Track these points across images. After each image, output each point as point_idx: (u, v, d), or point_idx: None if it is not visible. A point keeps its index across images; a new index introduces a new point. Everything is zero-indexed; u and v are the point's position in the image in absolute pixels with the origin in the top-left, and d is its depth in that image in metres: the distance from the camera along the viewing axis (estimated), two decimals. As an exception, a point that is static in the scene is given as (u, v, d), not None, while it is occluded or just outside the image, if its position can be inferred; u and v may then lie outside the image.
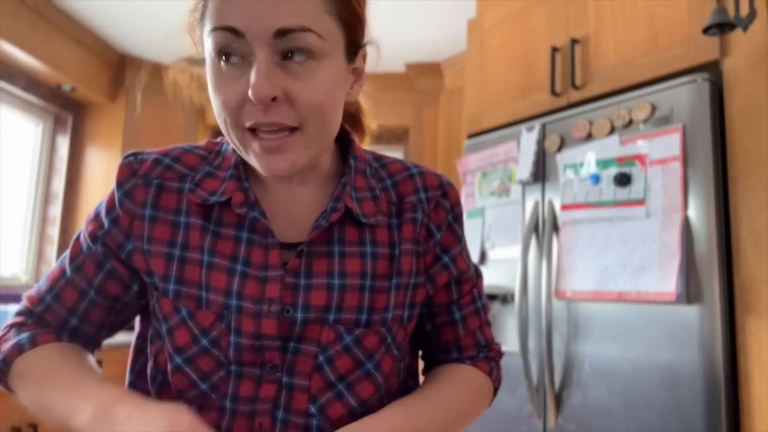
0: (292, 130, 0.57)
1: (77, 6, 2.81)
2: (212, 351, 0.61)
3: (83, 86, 3.06)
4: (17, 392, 0.65)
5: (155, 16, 2.87)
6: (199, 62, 0.63)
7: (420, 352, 0.79)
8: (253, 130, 0.57)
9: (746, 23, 1.35)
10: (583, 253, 1.64)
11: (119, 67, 3.33)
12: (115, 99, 3.30)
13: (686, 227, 1.42)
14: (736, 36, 1.46)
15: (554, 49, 1.91)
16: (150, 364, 0.67)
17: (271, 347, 0.61)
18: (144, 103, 3.35)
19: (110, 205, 0.67)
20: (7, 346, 0.66)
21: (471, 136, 2.23)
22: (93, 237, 0.67)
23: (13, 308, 2.49)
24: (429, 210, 0.70)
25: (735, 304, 1.38)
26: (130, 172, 0.67)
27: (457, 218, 0.73)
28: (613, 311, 1.56)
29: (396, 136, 3.62)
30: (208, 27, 0.56)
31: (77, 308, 0.67)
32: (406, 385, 0.74)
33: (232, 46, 0.55)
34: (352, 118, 0.78)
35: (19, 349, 0.64)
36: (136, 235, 0.65)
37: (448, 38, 2.95)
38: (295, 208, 0.67)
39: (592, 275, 1.60)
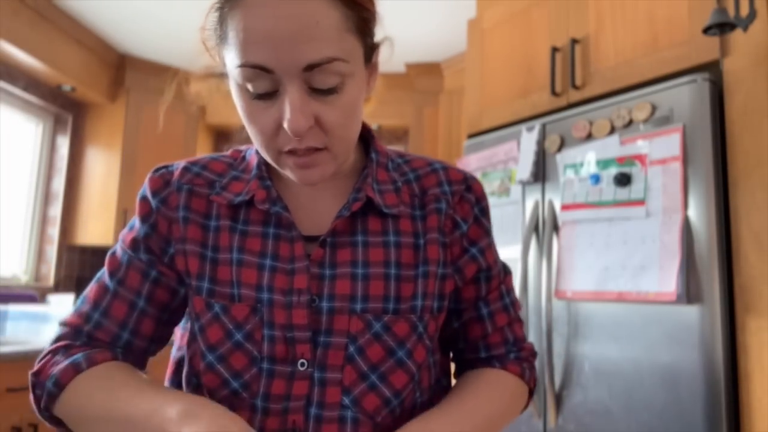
0: (322, 149, 0.59)
1: (77, 6, 2.81)
2: (246, 346, 0.62)
3: (83, 86, 3.07)
4: (70, 416, 0.61)
5: (155, 16, 2.87)
6: (220, 75, 0.64)
7: (451, 354, 0.78)
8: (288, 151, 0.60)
9: (746, 23, 1.35)
10: (583, 253, 1.64)
11: (119, 67, 3.33)
12: (115, 99, 3.30)
13: (686, 227, 1.42)
14: (737, 36, 1.46)
15: (554, 49, 1.91)
16: (185, 369, 0.67)
17: (303, 340, 0.62)
18: (144, 103, 3.35)
19: (144, 214, 0.68)
20: (58, 367, 0.62)
21: (471, 136, 2.23)
22: (134, 246, 0.68)
23: (13, 308, 2.49)
24: (453, 203, 0.70)
25: (735, 304, 1.38)
26: (164, 182, 0.69)
27: (484, 212, 0.73)
28: (613, 311, 1.56)
29: (396, 136, 3.62)
30: (233, 59, 0.56)
31: (128, 321, 0.67)
32: (440, 384, 0.73)
33: (260, 79, 0.56)
34: None
35: (75, 369, 0.62)
36: (176, 237, 0.67)
37: (448, 38, 2.95)
38: (318, 203, 0.69)
39: (592, 275, 1.60)
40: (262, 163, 0.69)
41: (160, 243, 0.67)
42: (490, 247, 0.74)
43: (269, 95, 0.57)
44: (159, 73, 3.43)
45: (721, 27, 1.38)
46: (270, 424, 0.62)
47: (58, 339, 0.67)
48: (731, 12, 1.39)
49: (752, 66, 1.42)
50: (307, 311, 0.62)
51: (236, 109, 0.61)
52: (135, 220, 0.70)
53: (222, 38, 0.58)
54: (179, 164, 0.71)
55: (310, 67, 0.54)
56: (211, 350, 0.63)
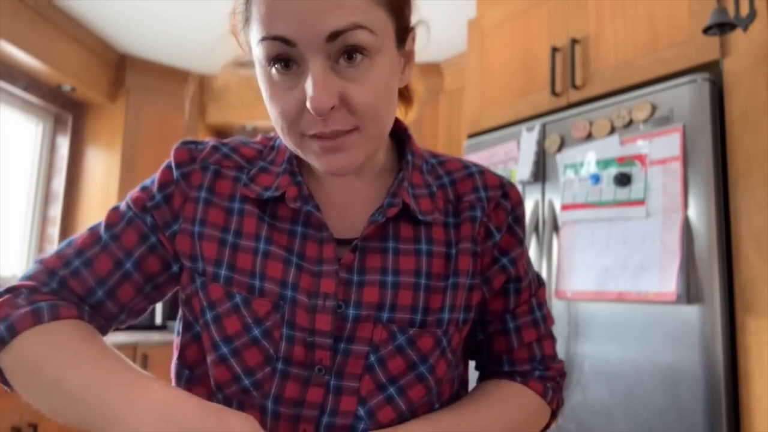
0: (350, 130, 0.56)
1: (77, 6, 2.81)
2: (262, 343, 0.59)
3: (83, 86, 3.07)
4: (18, 373, 0.56)
5: (155, 16, 2.87)
6: (247, 64, 0.62)
7: (474, 363, 0.76)
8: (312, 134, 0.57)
9: (746, 23, 1.35)
10: (583, 253, 1.64)
11: (119, 67, 3.33)
12: (115, 99, 3.30)
13: (686, 227, 1.42)
14: (737, 36, 1.46)
15: (554, 49, 1.91)
16: (174, 361, 0.64)
17: (323, 345, 0.59)
18: (144, 103, 3.35)
19: (165, 181, 0.65)
20: (17, 312, 0.56)
21: (471, 136, 2.23)
22: (142, 206, 0.64)
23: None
24: (489, 210, 0.67)
25: (735, 304, 1.38)
26: (190, 157, 0.66)
27: (518, 220, 0.70)
28: (613, 311, 1.56)
29: (396, 136, 3.62)
30: (256, 35, 0.54)
31: (108, 280, 0.62)
32: (458, 395, 0.70)
33: (283, 54, 0.53)
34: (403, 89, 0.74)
35: (35, 318, 0.56)
36: (186, 216, 0.63)
37: (448, 38, 2.95)
38: (349, 203, 0.66)
39: (592, 275, 1.60)
40: (294, 157, 0.65)
41: (167, 215, 0.64)
42: (522, 257, 0.70)
43: (292, 73, 0.54)
44: (159, 73, 3.43)
45: (721, 27, 1.38)
46: (280, 429, 0.59)
47: (26, 278, 0.62)
48: (731, 12, 1.39)
49: (752, 66, 1.42)
50: (332, 317, 0.59)
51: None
52: (151, 183, 0.66)
53: (247, 18, 0.56)
54: (208, 142, 0.68)
55: (334, 36, 0.51)
56: (226, 342, 0.59)
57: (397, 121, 0.70)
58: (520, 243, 0.70)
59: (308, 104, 0.52)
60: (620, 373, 1.52)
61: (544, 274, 1.71)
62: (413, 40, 0.63)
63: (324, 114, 0.53)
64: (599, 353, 1.58)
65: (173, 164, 0.66)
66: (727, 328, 1.37)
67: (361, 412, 0.59)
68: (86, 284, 0.62)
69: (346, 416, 0.59)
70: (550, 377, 0.71)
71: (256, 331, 0.59)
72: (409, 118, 0.74)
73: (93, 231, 0.65)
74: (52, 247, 3.15)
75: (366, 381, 0.60)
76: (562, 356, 1.66)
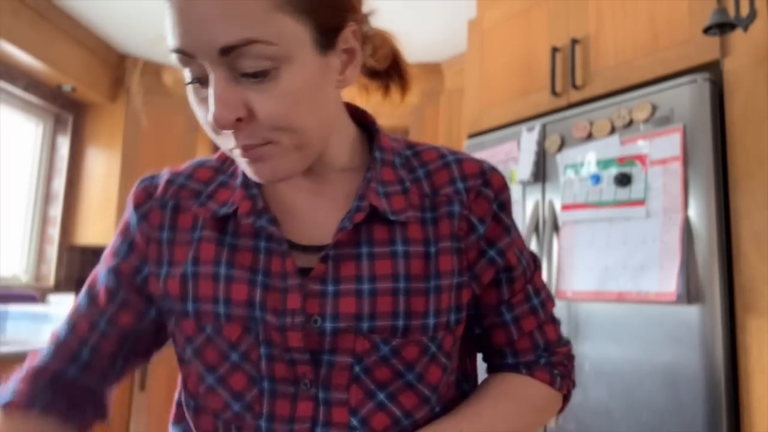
0: (263, 144, 0.53)
1: (77, 6, 2.81)
2: (243, 366, 0.59)
3: (83, 86, 3.07)
4: None
5: (155, 16, 2.87)
6: None
7: (481, 354, 0.73)
8: None
9: (746, 23, 1.35)
10: (583, 253, 1.64)
11: (119, 67, 3.33)
12: (115, 99, 3.30)
13: (687, 227, 1.42)
14: (737, 36, 1.46)
15: (554, 49, 1.91)
16: (183, 394, 0.65)
17: (302, 361, 0.58)
18: (144, 104, 3.35)
19: (125, 230, 0.66)
20: (5, 385, 0.66)
21: (471, 136, 2.23)
22: (108, 267, 0.66)
23: (13, 308, 2.49)
24: (469, 201, 0.63)
25: (735, 304, 1.38)
26: (146, 195, 0.65)
27: (504, 206, 0.66)
28: (613, 311, 1.56)
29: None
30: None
31: (89, 339, 0.66)
32: (461, 390, 0.68)
33: (191, 66, 0.51)
34: (395, 71, 0.70)
35: (13, 394, 0.64)
36: (152, 259, 0.63)
37: (448, 38, 2.95)
38: (318, 208, 0.63)
39: (593, 275, 1.60)
40: None
41: (134, 262, 0.65)
42: (512, 244, 0.66)
43: (202, 82, 0.52)
44: (159, 73, 3.42)
45: (722, 27, 1.38)
46: None
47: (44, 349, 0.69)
48: (731, 12, 1.39)
49: (752, 66, 1.42)
50: (301, 333, 0.57)
51: None
52: (116, 235, 0.67)
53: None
54: (164, 175, 0.66)
55: (227, 51, 0.48)
56: (210, 371, 0.60)
57: (364, 115, 0.68)
58: (508, 231, 0.66)
59: (209, 118, 0.50)
60: (620, 373, 1.52)
61: (544, 275, 1.71)
62: (355, 35, 0.57)
63: (227, 129, 0.51)
64: (599, 353, 1.58)
65: (131, 208, 0.66)
66: (727, 328, 1.37)
67: (354, 422, 0.58)
68: (71, 348, 0.66)
69: (340, 428, 0.58)
70: (557, 363, 0.68)
71: (235, 357, 0.59)
72: (407, 100, 0.71)
73: (78, 298, 0.69)
74: (52, 247, 3.15)
75: (354, 391, 0.58)
76: (563, 356, 1.66)
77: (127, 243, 0.65)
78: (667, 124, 1.51)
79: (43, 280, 3.15)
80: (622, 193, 1.57)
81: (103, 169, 3.26)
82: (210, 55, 0.49)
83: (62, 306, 2.77)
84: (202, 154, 3.73)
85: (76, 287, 3.26)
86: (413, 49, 3.13)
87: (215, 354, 0.60)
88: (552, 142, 1.79)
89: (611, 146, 1.62)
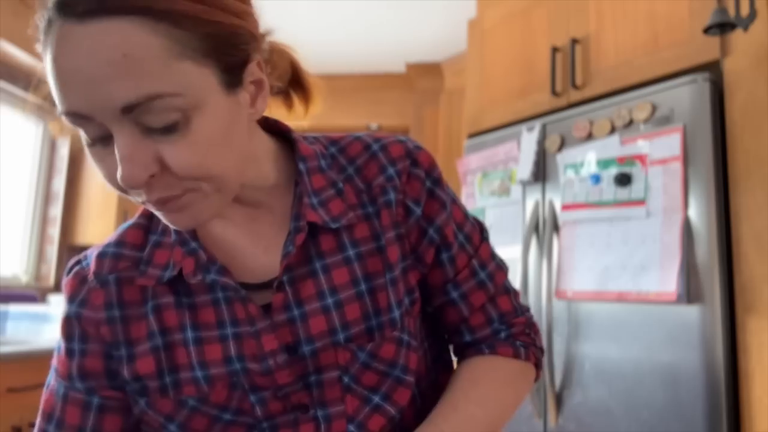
0: (181, 194, 0.49)
1: (77, 6, 2.81)
2: (239, 419, 0.58)
3: (83, 86, 3.06)
4: None
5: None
6: None
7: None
8: None
9: (747, 23, 1.35)
10: (583, 253, 1.64)
11: (119, 67, 3.33)
12: (115, 99, 3.30)
13: (687, 227, 1.42)
14: (737, 36, 1.46)
15: (555, 49, 1.91)
16: None
17: (295, 390, 0.58)
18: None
19: (68, 329, 0.60)
20: None
21: (471, 136, 2.23)
22: (67, 374, 0.60)
23: (13, 308, 2.49)
24: (402, 185, 0.62)
25: (735, 304, 1.38)
26: (79, 281, 0.61)
27: (437, 183, 0.64)
28: (613, 311, 1.56)
29: (396, 136, 3.62)
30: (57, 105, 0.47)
31: None
32: (443, 360, 0.70)
33: (87, 125, 0.46)
34: (296, 84, 0.66)
35: None
36: (109, 343, 0.59)
37: (448, 38, 2.95)
38: (262, 237, 0.61)
39: (593, 275, 1.60)
40: None
41: (98, 349, 0.59)
42: (449, 220, 0.65)
43: (104, 140, 0.47)
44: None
45: (722, 27, 1.38)
46: None
47: None
48: (732, 12, 1.39)
49: (753, 66, 1.42)
50: (288, 370, 0.57)
51: None
52: (60, 342, 0.61)
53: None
54: (92, 251, 0.62)
55: (128, 109, 0.44)
56: None
57: (277, 124, 0.65)
58: (444, 206, 0.64)
59: (119, 179, 0.46)
60: (620, 372, 1.52)
61: (544, 274, 1.71)
62: (260, 65, 0.53)
63: (139, 188, 0.47)
64: (599, 353, 1.58)
65: (67, 302, 0.61)
66: (727, 328, 1.37)
67: (351, 428, 0.59)
68: None
69: None
70: (517, 333, 0.67)
71: (227, 416, 0.58)
72: (311, 112, 0.68)
73: (38, 427, 0.61)
74: (52, 247, 3.15)
75: (350, 400, 0.59)
76: (562, 356, 1.66)
77: (77, 342, 0.60)
78: (667, 124, 1.51)
79: (43, 280, 3.15)
80: (622, 193, 1.57)
81: (103, 169, 3.26)
82: (110, 115, 0.44)
83: (62, 306, 2.77)
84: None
85: (76, 287, 3.26)
86: (413, 49, 3.14)
87: (204, 421, 0.58)
88: (552, 142, 1.79)
89: (611, 146, 1.62)
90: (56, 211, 3.20)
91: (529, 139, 1.86)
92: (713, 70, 1.49)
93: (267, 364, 0.56)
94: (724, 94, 1.47)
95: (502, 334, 0.67)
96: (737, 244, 1.39)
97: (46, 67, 0.46)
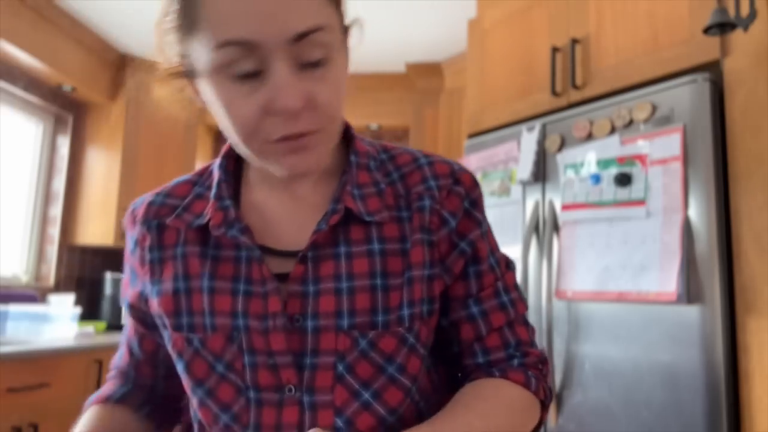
0: (315, 131, 0.56)
1: (77, 6, 2.81)
2: (229, 376, 0.60)
3: (84, 86, 3.07)
4: None
5: (155, 16, 2.87)
6: (183, 75, 0.59)
7: (456, 372, 0.71)
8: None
9: (747, 23, 1.35)
10: (583, 253, 1.64)
11: (119, 67, 3.33)
12: (115, 99, 3.30)
13: (687, 227, 1.42)
14: (737, 36, 1.46)
15: (555, 49, 1.91)
16: (191, 410, 0.67)
17: (286, 364, 0.59)
18: (144, 104, 3.35)
19: (128, 258, 0.70)
20: (95, 395, 0.72)
21: (471, 136, 2.23)
22: (124, 298, 0.72)
23: (13, 308, 2.50)
24: (440, 198, 0.65)
25: (735, 304, 1.38)
26: (133, 221, 0.69)
27: (475, 203, 0.67)
28: (613, 311, 1.56)
29: (396, 136, 3.62)
30: (208, 41, 0.51)
31: (131, 369, 0.73)
32: (452, 388, 0.67)
33: (243, 59, 0.51)
34: None
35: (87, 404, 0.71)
36: (148, 279, 0.66)
37: (448, 38, 2.95)
38: (296, 213, 0.65)
39: (593, 275, 1.60)
40: (223, 180, 0.65)
41: (138, 288, 0.68)
42: (483, 239, 0.67)
43: (253, 77, 0.52)
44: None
45: (722, 27, 1.38)
46: None
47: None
48: (732, 12, 1.39)
49: (753, 66, 1.42)
50: (284, 335, 0.58)
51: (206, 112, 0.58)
52: (125, 265, 0.72)
53: (191, 25, 0.53)
54: (145, 198, 0.69)
55: (298, 38, 0.51)
56: (199, 385, 0.61)
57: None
58: (479, 224, 0.67)
59: (279, 106, 0.51)
60: (620, 372, 1.52)
61: (544, 274, 1.71)
62: (349, 37, 0.61)
63: (296, 114, 0.53)
64: (599, 353, 1.58)
65: (128, 235, 0.70)
66: (727, 327, 1.37)
67: (340, 423, 0.58)
68: (123, 370, 0.74)
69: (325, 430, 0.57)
70: (530, 364, 0.66)
71: (220, 368, 0.60)
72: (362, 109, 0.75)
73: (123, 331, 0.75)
74: (52, 247, 3.15)
75: (339, 391, 0.59)
76: (562, 356, 1.66)
77: (130, 270, 0.70)
78: (667, 124, 1.51)
79: (43, 280, 3.15)
80: (622, 193, 1.57)
81: (103, 169, 3.26)
82: (279, 44, 0.51)
83: (62, 306, 2.77)
84: (202, 154, 3.73)
85: (76, 287, 3.26)
86: (413, 49, 3.13)
87: (203, 367, 0.61)
88: (552, 142, 1.79)
89: (611, 146, 1.62)
90: (56, 211, 3.20)
91: (529, 139, 1.86)
92: (713, 70, 1.49)
93: (266, 324, 0.59)
94: (724, 94, 1.47)
95: (515, 361, 0.65)
96: (737, 244, 1.39)
97: (207, 3, 0.51)
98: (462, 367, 0.69)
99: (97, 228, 3.21)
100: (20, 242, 3.08)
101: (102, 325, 3.05)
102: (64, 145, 3.25)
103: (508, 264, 0.70)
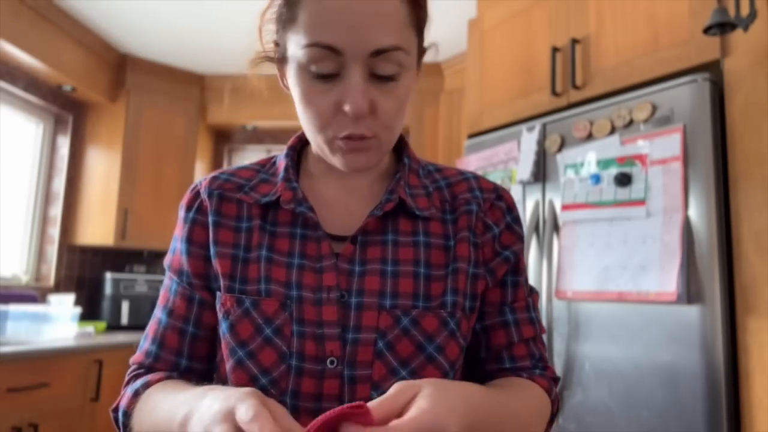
0: (371, 137, 0.62)
1: (78, 6, 2.81)
2: (275, 341, 0.62)
3: (84, 86, 3.07)
4: None
5: (155, 16, 2.87)
6: (275, 60, 0.67)
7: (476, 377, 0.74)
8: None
9: (747, 23, 1.35)
10: (583, 253, 1.64)
11: (119, 67, 3.33)
12: (115, 99, 3.30)
13: (687, 227, 1.42)
14: (737, 36, 1.46)
15: (555, 49, 1.91)
16: (215, 381, 0.69)
17: (332, 336, 0.62)
18: (144, 104, 3.35)
19: (182, 230, 0.71)
20: (124, 399, 0.68)
21: (471, 136, 2.23)
22: (178, 271, 0.71)
23: (13, 308, 2.49)
24: (485, 207, 0.71)
25: (735, 304, 1.38)
26: (194, 195, 0.72)
27: (516, 221, 0.73)
28: (613, 311, 1.56)
29: (396, 136, 3.62)
30: (300, 39, 0.59)
31: (183, 349, 0.70)
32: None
33: (326, 60, 0.58)
34: None
35: (135, 396, 0.66)
36: (207, 241, 0.69)
37: (448, 38, 2.95)
38: (351, 203, 0.71)
39: (593, 275, 1.60)
40: (290, 167, 0.71)
41: (200, 252, 0.69)
42: (522, 255, 0.73)
43: (331, 77, 0.59)
44: (159, 73, 3.43)
45: (722, 27, 1.38)
46: (301, 422, 0.58)
47: (127, 376, 0.72)
48: (732, 12, 1.39)
49: (753, 66, 1.42)
50: (336, 307, 0.63)
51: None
52: (175, 240, 0.72)
53: (289, 20, 0.60)
54: (208, 175, 0.75)
55: (377, 53, 0.57)
56: (241, 346, 0.63)
57: None
58: (521, 240, 0.73)
59: (347, 108, 0.58)
60: (620, 372, 1.52)
61: (544, 274, 1.71)
62: (422, 58, 0.69)
63: (361, 117, 0.59)
64: (599, 353, 1.58)
65: (183, 211, 0.72)
66: (727, 328, 1.37)
67: (376, 396, 0.58)
68: (169, 361, 0.70)
69: None
70: (548, 377, 0.71)
71: (268, 331, 0.63)
72: None
73: (155, 317, 0.72)
74: (52, 247, 3.15)
75: (377, 367, 0.62)
76: (563, 356, 1.67)
77: (186, 241, 0.70)
78: (667, 124, 1.51)
79: (43, 280, 3.15)
80: (622, 193, 1.57)
81: (103, 169, 3.26)
82: (359, 55, 0.58)
83: (62, 306, 2.77)
84: (202, 155, 3.73)
85: (76, 287, 3.26)
86: (413, 49, 3.14)
87: (249, 328, 0.64)
88: (552, 142, 1.79)
89: (611, 146, 1.62)
90: (56, 211, 3.20)
91: (529, 139, 1.86)
92: (713, 70, 1.49)
93: (320, 296, 0.63)
94: (724, 94, 1.47)
95: (538, 371, 0.71)
96: (737, 244, 1.39)
97: (307, 4, 0.58)
98: (485, 372, 0.72)
99: (97, 228, 3.21)
100: (20, 242, 3.08)
101: (102, 325, 3.05)
102: (64, 145, 3.25)
103: (532, 288, 0.76)
